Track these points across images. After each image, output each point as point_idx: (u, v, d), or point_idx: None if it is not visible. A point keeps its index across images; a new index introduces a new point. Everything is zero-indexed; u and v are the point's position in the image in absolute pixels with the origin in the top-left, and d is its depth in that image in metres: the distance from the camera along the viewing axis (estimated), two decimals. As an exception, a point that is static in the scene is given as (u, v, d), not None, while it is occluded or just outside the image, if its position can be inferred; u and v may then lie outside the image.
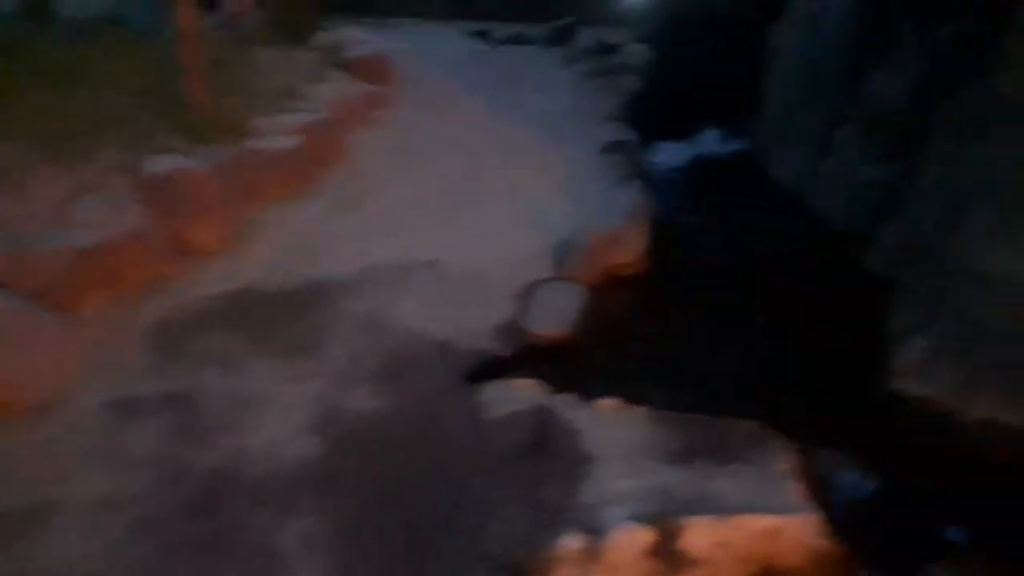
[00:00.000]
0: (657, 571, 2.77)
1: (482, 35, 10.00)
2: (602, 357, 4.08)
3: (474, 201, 5.48)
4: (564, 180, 5.77)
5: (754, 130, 7.12)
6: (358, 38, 7.35)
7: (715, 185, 6.66)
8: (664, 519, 2.82)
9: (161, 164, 4.48)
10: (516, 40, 9.87)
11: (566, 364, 3.95)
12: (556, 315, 4.24)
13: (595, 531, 2.79)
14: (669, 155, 7.19)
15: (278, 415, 3.41)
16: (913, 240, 4.33)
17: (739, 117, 7.46)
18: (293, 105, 5.90)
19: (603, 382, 3.74)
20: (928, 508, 3.21)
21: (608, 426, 3.34)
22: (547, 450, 3.19)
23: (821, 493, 3.14)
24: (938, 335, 3.62)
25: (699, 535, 2.79)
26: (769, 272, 5.05)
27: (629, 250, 4.91)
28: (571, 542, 2.75)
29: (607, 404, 3.48)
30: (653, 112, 7.75)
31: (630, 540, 2.77)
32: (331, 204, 5.24)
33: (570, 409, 3.44)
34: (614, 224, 4.94)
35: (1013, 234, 3.49)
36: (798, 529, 2.83)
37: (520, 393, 3.52)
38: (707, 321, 4.50)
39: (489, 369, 3.79)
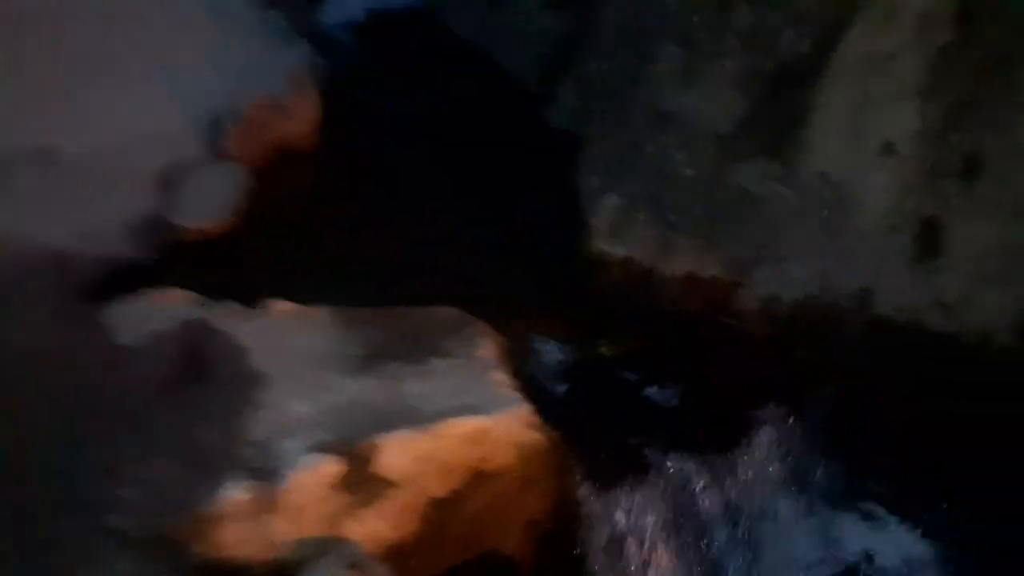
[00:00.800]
0: (350, 504, 2.31)
1: None
2: (271, 251, 3.42)
3: (98, 71, 4.35)
4: (213, 42, 4.80)
5: (428, -20, 6.53)
6: None
7: (391, 44, 6.02)
8: (353, 442, 2.34)
9: None
10: None
11: (225, 263, 3.24)
12: (209, 203, 3.47)
13: (268, 472, 2.23)
14: (337, 12, 6.40)
15: None
16: (595, 93, 4.07)
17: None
18: None
19: (274, 282, 3.09)
20: (638, 374, 3.05)
21: (281, 336, 2.73)
22: (203, 376, 2.53)
23: (528, 378, 2.83)
24: (631, 190, 3.40)
25: (396, 453, 2.35)
26: (457, 138, 4.61)
27: (298, 121, 4.21)
28: (236, 492, 2.17)
29: (280, 308, 2.86)
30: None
31: (313, 475, 2.26)
32: None
33: (232, 320, 2.76)
34: (277, 92, 4.18)
35: (700, 75, 3.30)
36: (506, 425, 2.50)
37: (164, 307, 2.77)
38: (392, 198, 3.99)
39: (122, 281, 2.97)
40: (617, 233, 3.36)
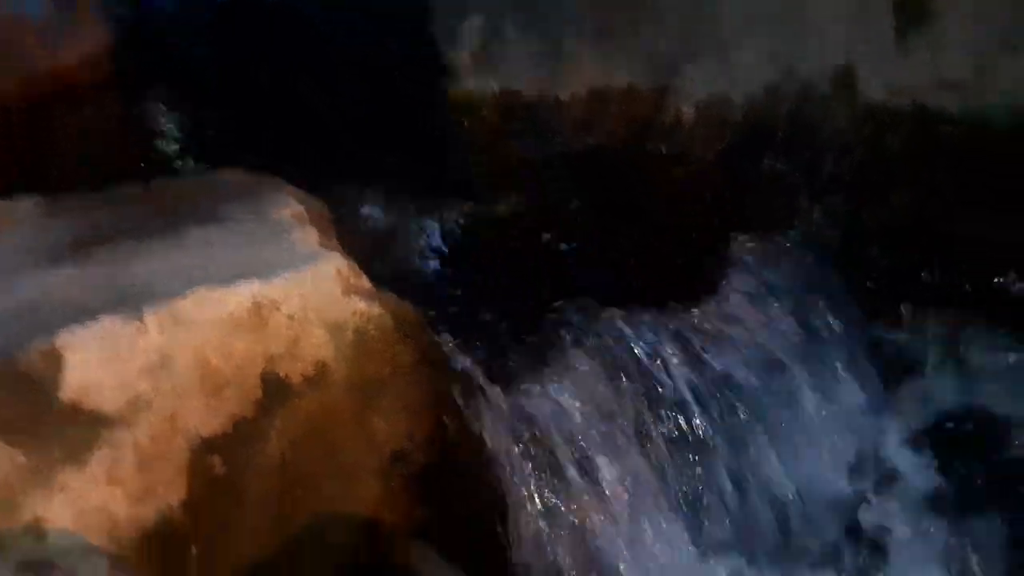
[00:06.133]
0: (31, 465, 1.25)
1: None
2: None
3: None
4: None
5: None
6: None
7: None
8: (11, 352, 1.29)
9: None
10: None
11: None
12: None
13: None
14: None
15: None
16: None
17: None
18: None
19: None
20: (543, 234, 2.07)
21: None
22: None
23: (367, 247, 1.83)
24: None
25: (99, 362, 1.31)
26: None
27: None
28: None
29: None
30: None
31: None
32: None
33: None
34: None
35: None
36: (308, 291, 1.47)
37: None
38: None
39: None
40: (485, 61, 2.37)
